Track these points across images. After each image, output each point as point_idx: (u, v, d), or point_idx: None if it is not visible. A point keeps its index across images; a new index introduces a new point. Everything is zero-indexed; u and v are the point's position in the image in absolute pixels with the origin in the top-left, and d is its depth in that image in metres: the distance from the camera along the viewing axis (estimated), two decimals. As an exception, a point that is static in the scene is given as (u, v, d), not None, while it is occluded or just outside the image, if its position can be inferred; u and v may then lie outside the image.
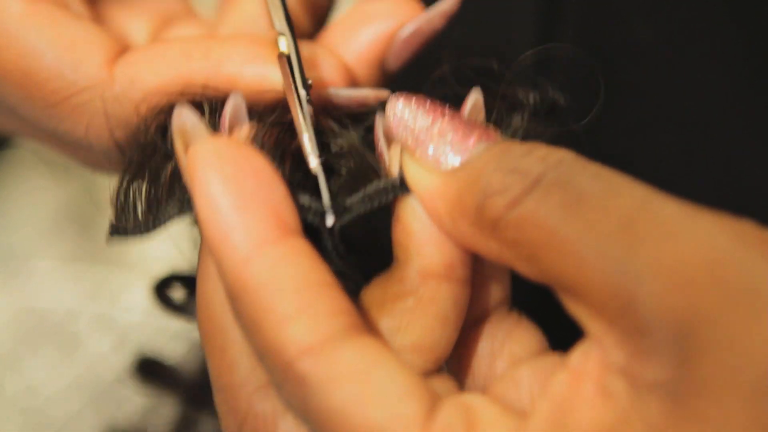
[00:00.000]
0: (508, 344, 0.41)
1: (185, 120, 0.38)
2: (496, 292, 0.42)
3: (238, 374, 0.37)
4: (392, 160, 0.40)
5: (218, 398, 0.38)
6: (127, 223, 0.41)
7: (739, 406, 0.29)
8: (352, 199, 0.40)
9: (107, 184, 0.43)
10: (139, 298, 0.79)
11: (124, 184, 0.41)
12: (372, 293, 0.40)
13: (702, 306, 0.30)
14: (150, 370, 0.65)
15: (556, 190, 0.34)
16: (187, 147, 0.37)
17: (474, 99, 0.41)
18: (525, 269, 0.35)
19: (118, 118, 0.43)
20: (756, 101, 0.59)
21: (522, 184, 0.34)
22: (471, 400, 0.36)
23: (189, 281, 0.50)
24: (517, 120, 0.42)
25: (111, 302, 0.78)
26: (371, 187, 0.40)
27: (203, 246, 0.39)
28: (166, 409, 0.65)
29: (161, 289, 0.51)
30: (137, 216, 0.41)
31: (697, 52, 0.60)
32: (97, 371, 0.75)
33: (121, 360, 0.76)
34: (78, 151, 0.47)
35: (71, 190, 0.78)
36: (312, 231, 0.40)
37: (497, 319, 0.41)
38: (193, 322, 0.49)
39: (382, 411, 0.33)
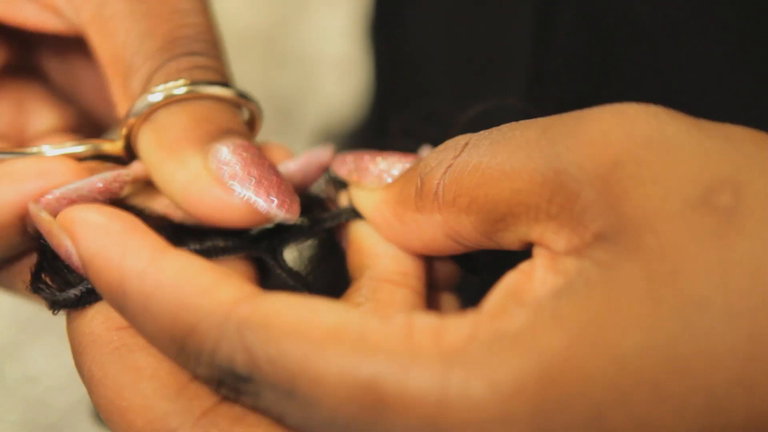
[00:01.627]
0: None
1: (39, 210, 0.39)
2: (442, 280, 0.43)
3: (172, 419, 0.37)
4: (341, 198, 0.43)
5: None
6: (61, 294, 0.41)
7: (672, 230, 0.31)
8: (304, 223, 0.42)
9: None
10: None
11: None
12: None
13: (619, 156, 0.32)
14: None
15: (483, 139, 0.36)
16: (50, 223, 0.39)
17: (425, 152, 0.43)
18: (468, 223, 0.37)
19: None
20: (755, 77, 0.58)
21: (454, 152, 0.37)
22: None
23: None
24: None
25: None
26: (325, 214, 0.43)
27: (75, 341, 0.39)
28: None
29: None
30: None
31: (695, 28, 0.59)
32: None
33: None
34: None
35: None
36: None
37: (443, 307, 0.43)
38: None
39: (334, 316, 0.33)
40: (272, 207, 0.39)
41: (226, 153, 0.40)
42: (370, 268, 0.41)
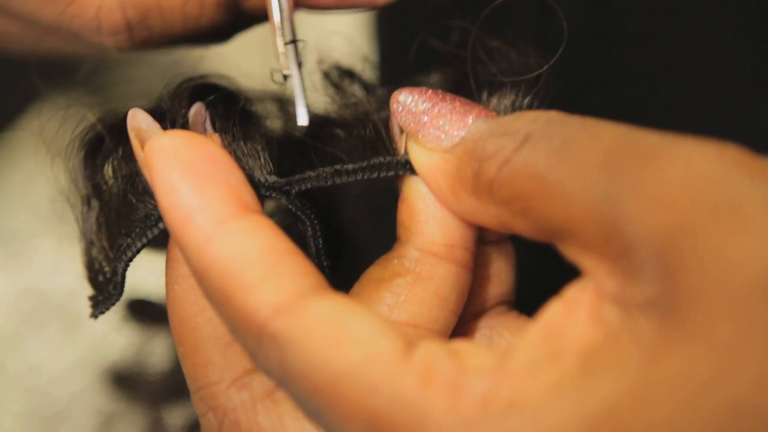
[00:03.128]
0: (507, 338, 0.42)
1: (139, 120, 0.40)
2: (499, 288, 0.43)
3: (213, 371, 0.38)
4: (399, 144, 0.42)
5: (196, 399, 0.39)
6: (104, 291, 0.42)
7: (725, 318, 0.29)
8: (355, 166, 0.42)
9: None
10: (142, 277, 0.79)
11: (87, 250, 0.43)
12: (372, 271, 0.41)
13: (683, 221, 0.30)
14: (141, 311, 0.65)
15: (544, 141, 0.35)
16: (143, 144, 0.39)
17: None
18: (522, 226, 0.36)
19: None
20: (757, 42, 0.58)
21: (513, 144, 0.35)
22: (453, 342, 0.36)
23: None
24: (509, 99, 0.44)
25: (113, 282, 0.78)
26: (376, 159, 0.42)
27: (170, 250, 0.40)
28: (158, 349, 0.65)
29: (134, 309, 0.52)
30: (108, 273, 0.42)
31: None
32: (99, 351, 0.75)
33: (124, 339, 0.76)
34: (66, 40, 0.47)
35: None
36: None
37: (497, 314, 0.43)
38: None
39: (359, 350, 0.33)
40: None
41: None
42: (417, 235, 0.40)
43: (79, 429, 0.74)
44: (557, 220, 0.34)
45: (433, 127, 0.40)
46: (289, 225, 0.44)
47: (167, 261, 0.40)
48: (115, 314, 0.76)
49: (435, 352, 0.33)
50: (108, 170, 0.44)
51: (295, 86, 0.43)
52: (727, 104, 0.60)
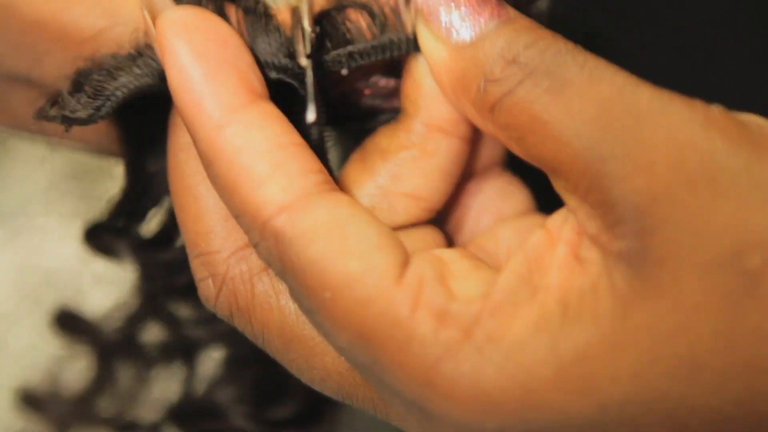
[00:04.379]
0: (496, 201, 0.44)
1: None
2: (492, 151, 0.44)
3: (214, 240, 0.39)
4: (406, 17, 0.42)
5: (196, 263, 0.40)
6: (79, 105, 0.41)
7: (692, 280, 0.31)
8: (361, 46, 0.42)
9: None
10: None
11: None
12: (377, 141, 0.42)
13: (660, 187, 0.32)
14: (68, 323, 0.65)
15: (545, 78, 0.36)
16: (154, 18, 0.38)
17: None
18: (515, 149, 0.38)
19: None
20: (761, 22, 0.55)
21: (518, 75, 0.36)
22: (444, 254, 0.38)
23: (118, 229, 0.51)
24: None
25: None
26: (384, 37, 0.42)
27: (173, 117, 0.41)
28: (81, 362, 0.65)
29: (92, 235, 0.52)
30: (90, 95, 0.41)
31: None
32: (100, 322, 0.75)
33: (125, 318, 0.75)
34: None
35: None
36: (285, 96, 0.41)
37: (489, 177, 0.45)
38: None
39: (357, 263, 0.35)
40: None
41: None
42: (424, 109, 0.41)
43: (70, 390, 0.73)
44: (547, 158, 0.36)
45: (445, 18, 0.40)
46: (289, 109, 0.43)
47: (170, 127, 0.41)
48: (114, 295, 0.76)
49: (427, 272, 0.35)
50: None
51: (307, 81, 0.42)
52: (728, 80, 0.60)
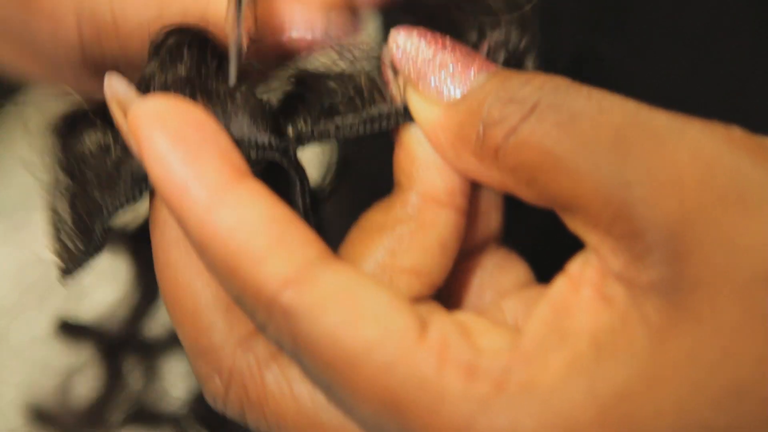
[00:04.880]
0: (497, 276, 0.43)
1: (116, 87, 0.39)
2: (488, 226, 0.43)
3: (216, 335, 0.38)
4: (394, 87, 0.41)
5: (198, 364, 0.39)
6: (78, 252, 0.41)
7: (730, 303, 0.30)
8: (349, 120, 0.41)
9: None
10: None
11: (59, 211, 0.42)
12: (372, 217, 0.41)
13: (691, 207, 0.31)
14: (70, 332, 0.65)
15: (551, 112, 0.35)
16: (125, 112, 0.38)
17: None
18: (526, 194, 0.36)
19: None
20: (761, 15, 0.55)
21: (520, 112, 0.36)
22: (460, 315, 0.37)
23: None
24: (501, 38, 0.43)
25: (117, 253, 0.78)
26: (373, 110, 0.41)
27: (155, 214, 0.39)
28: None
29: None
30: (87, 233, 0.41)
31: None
32: (102, 323, 0.75)
33: (127, 311, 0.75)
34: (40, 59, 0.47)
35: (76, 141, 0.78)
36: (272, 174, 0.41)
37: (487, 252, 0.43)
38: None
39: (374, 327, 0.33)
40: None
41: None
42: (419, 181, 0.41)
43: (81, 402, 0.74)
44: (564, 195, 0.34)
45: (434, 79, 0.40)
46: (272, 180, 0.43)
47: (153, 227, 0.39)
48: (115, 288, 0.76)
49: (448, 330, 0.34)
50: (88, 141, 0.43)
51: (230, 41, 0.41)
52: (728, 73, 0.58)
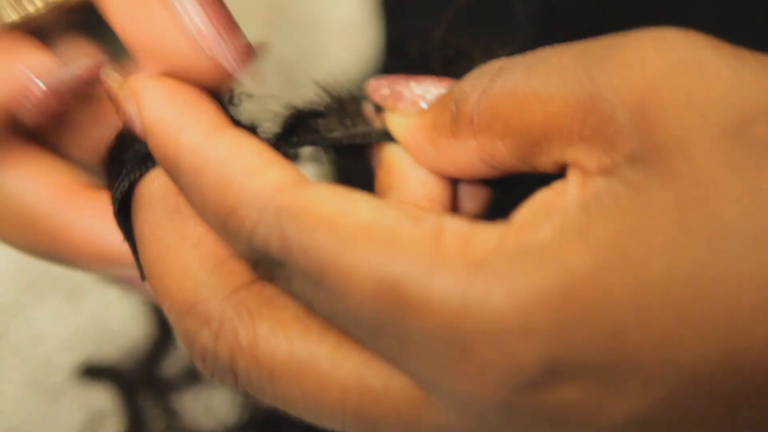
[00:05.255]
0: None
1: (111, 75, 0.42)
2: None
3: (205, 290, 0.38)
4: (375, 123, 0.44)
5: (185, 322, 0.38)
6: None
7: (704, 156, 0.31)
8: (335, 134, 0.44)
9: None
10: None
11: None
12: None
13: (653, 78, 0.33)
14: (94, 375, 0.66)
15: (519, 64, 0.37)
16: (120, 85, 0.41)
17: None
18: (503, 149, 0.37)
19: None
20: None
21: (489, 76, 0.38)
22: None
23: None
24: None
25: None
26: (358, 129, 0.44)
27: (139, 196, 0.41)
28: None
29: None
30: None
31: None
32: (102, 321, 0.75)
33: (128, 308, 0.76)
34: None
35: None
36: None
37: None
38: None
39: (369, 212, 0.34)
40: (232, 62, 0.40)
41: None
42: (398, 191, 0.42)
43: (81, 399, 0.74)
44: (536, 126, 0.36)
45: (410, 95, 0.42)
46: None
47: (133, 212, 0.41)
48: (113, 290, 0.76)
49: (443, 215, 0.34)
50: None
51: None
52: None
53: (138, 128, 0.40)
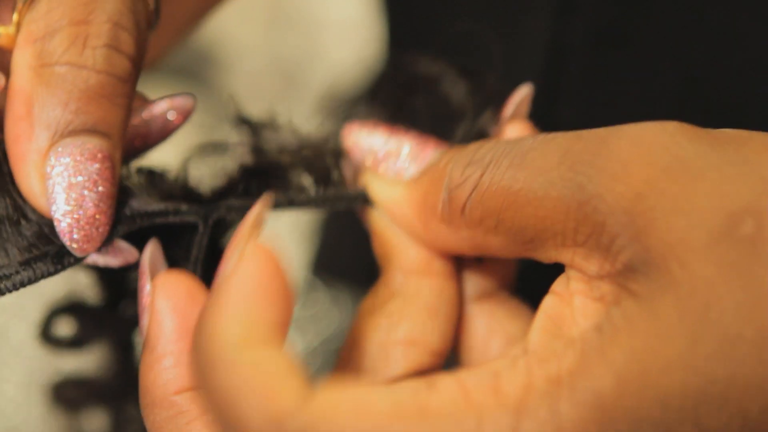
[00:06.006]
0: (506, 324, 0.44)
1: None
2: (498, 274, 0.44)
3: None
4: (354, 178, 0.44)
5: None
6: None
7: (698, 261, 0.32)
8: (306, 195, 0.43)
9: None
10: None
11: None
12: (366, 303, 0.43)
13: (640, 185, 0.33)
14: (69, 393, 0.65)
15: (504, 159, 0.37)
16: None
17: (523, 92, 0.43)
18: (495, 242, 0.38)
19: None
20: None
21: (480, 170, 0.38)
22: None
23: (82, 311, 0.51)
24: (461, 130, 0.45)
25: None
26: (331, 191, 0.43)
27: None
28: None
29: (47, 326, 0.50)
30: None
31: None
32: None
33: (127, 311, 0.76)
34: None
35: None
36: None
37: (497, 301, 0.44)
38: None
39: (387, 396, 0.34)
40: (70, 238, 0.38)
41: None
42: (396, 260, 0.43)
43: (81, 399, 0.74)
44: (529, 225, 0.36)
45: (393, 160, 0.43)
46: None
47: (141, 406, 0.39)
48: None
49: (460, 376, 0.34)
50: None
51: None
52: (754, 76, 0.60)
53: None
